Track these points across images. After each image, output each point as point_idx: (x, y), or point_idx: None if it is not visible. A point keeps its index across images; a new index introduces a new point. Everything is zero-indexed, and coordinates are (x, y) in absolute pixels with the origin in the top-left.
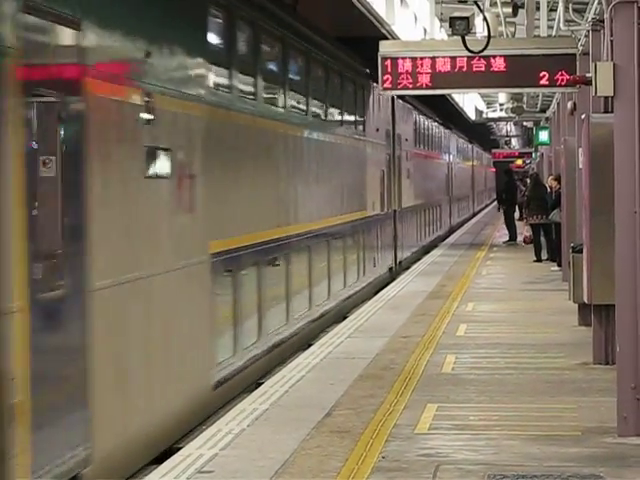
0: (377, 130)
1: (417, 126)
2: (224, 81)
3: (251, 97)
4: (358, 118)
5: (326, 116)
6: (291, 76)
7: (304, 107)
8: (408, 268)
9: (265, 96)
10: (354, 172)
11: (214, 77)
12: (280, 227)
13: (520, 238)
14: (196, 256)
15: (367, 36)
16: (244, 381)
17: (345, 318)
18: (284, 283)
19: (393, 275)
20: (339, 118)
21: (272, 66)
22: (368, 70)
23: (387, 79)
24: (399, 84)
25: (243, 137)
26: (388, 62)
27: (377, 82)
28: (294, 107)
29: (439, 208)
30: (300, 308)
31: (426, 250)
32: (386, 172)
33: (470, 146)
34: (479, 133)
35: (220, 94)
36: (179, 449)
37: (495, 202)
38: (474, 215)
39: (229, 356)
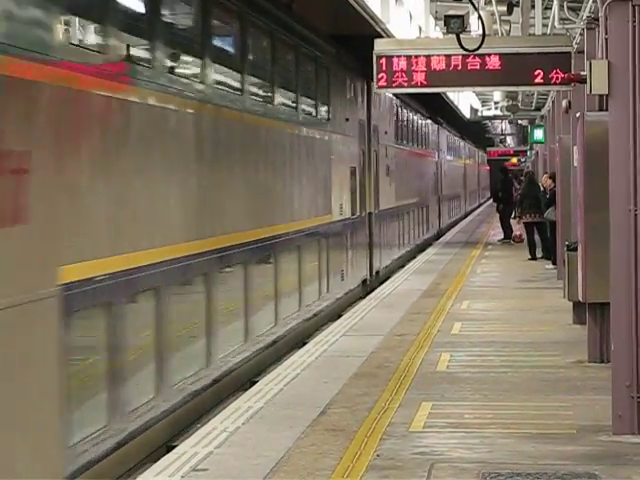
0: (347, 120)
1: (399, 118)
2: (94, 39)
3: (145, 62)
4: (320, 104)
5: (273, 99)
6: (217, 43)
7: (238, 84)
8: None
9: (168, 63)
10: (313, 169)
11: (71, 29)
12: (195, 240)
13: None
14: (31, 289)
15: (362, 34)
16: (124, 462)
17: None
18: (203, 316)
19: (368, 288)
20: (292, 102)
21: (185, 28)
22: (336, 49)
23: (382, 77)
24: (394, 82)
25: (133, 118)
26: (383, 60)
27: (349, 62)
28: (221, 83)
29: (426, 209)
30: (228, 346)
31: (411, 256)
32: (359, 169)
33: (462, 143)
34: (474, 131)
35: (84, 52)
36: (174, 447)
37: (487, 201)
38: (466, 215)
39: (95, 433)
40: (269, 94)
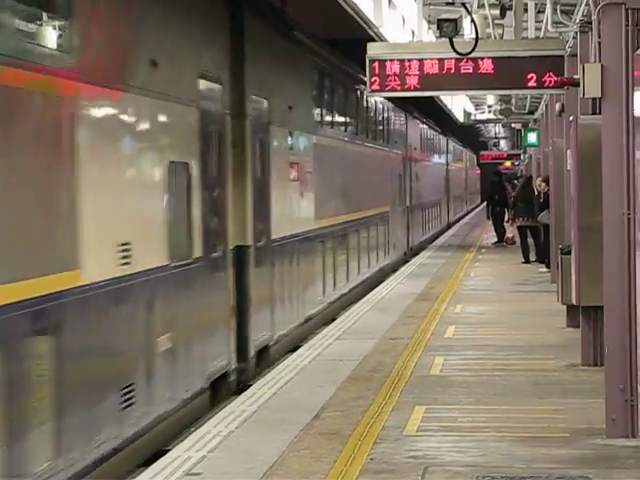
0: (154, 65)
1: (331, 92)
2: None
3: None
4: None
5: None
6: None
7: None
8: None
9: None
10: (62, 175)
11: None
12: None
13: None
14: None
15: (355, 38)
16: None
17: None
18: None
19: (232, 387)
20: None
21: None
22: None
23: (375, 81)
24: (387, 86)
25: None
26: (376, 64)
27: None
28: None
29: (385, 226)
30: None
31: (359, 296)
32: (201, 169)
33: (445, 139)
34: (467, 134)
35: None
36: (167, 451)
37: (476, 207)
38: (449, 226)
39: None
40: None
